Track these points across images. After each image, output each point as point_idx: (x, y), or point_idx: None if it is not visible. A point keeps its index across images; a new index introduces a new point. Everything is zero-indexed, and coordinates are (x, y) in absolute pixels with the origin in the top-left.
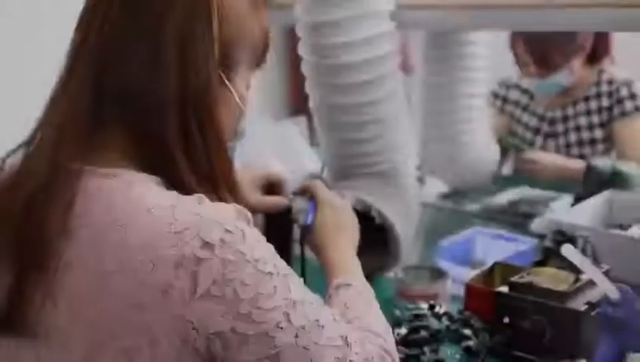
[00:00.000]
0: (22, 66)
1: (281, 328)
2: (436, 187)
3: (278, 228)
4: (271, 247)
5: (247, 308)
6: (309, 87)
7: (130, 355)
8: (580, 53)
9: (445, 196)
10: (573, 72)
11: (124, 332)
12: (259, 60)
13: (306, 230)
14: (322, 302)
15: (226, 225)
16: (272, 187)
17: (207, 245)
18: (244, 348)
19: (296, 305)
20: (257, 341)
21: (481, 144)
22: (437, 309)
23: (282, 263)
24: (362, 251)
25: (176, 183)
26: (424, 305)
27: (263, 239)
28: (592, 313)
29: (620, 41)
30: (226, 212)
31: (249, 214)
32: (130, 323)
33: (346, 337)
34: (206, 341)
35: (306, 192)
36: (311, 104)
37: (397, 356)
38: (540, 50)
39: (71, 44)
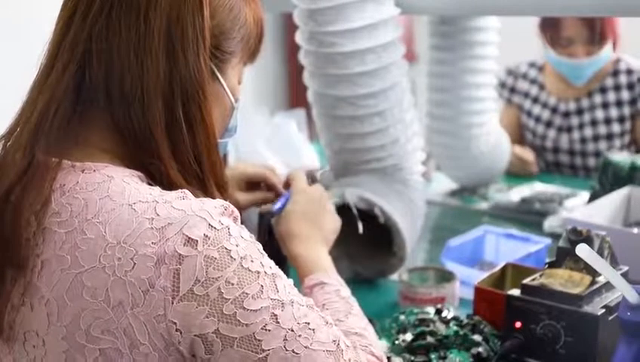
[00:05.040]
0: (1, 57)
1: (269, 330)
2: (443, 184)
3: (266, 227)
4: (258, 245)
5: (231, 308)
6: (307, 78)
7: (109, 358)
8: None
9: (453, 193)
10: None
11: (102, 334)
12: (252, 53)
13: (271, 216)
14: (312, 303)
15: (210, 220)
16: (255, 185)
17: (190, 241)
18: (228, 352)
19: (284, 306)
20: (243, 344)
21: (491, 137)
22: (444, 313)
23: (270, 262)
24: (364, 252)
25: (160, 179)
26: (430, 309)
27: (251, 237)
28: (610, 317)
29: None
30: (212, 207)
31: (236, 211)
32: (108, 324)
33: (338, 341)
34: (190, 343)
35: (288, 184)
36: (309, 96)
37: (385, 358)
38: (597, 22)
39: (52, 35)
